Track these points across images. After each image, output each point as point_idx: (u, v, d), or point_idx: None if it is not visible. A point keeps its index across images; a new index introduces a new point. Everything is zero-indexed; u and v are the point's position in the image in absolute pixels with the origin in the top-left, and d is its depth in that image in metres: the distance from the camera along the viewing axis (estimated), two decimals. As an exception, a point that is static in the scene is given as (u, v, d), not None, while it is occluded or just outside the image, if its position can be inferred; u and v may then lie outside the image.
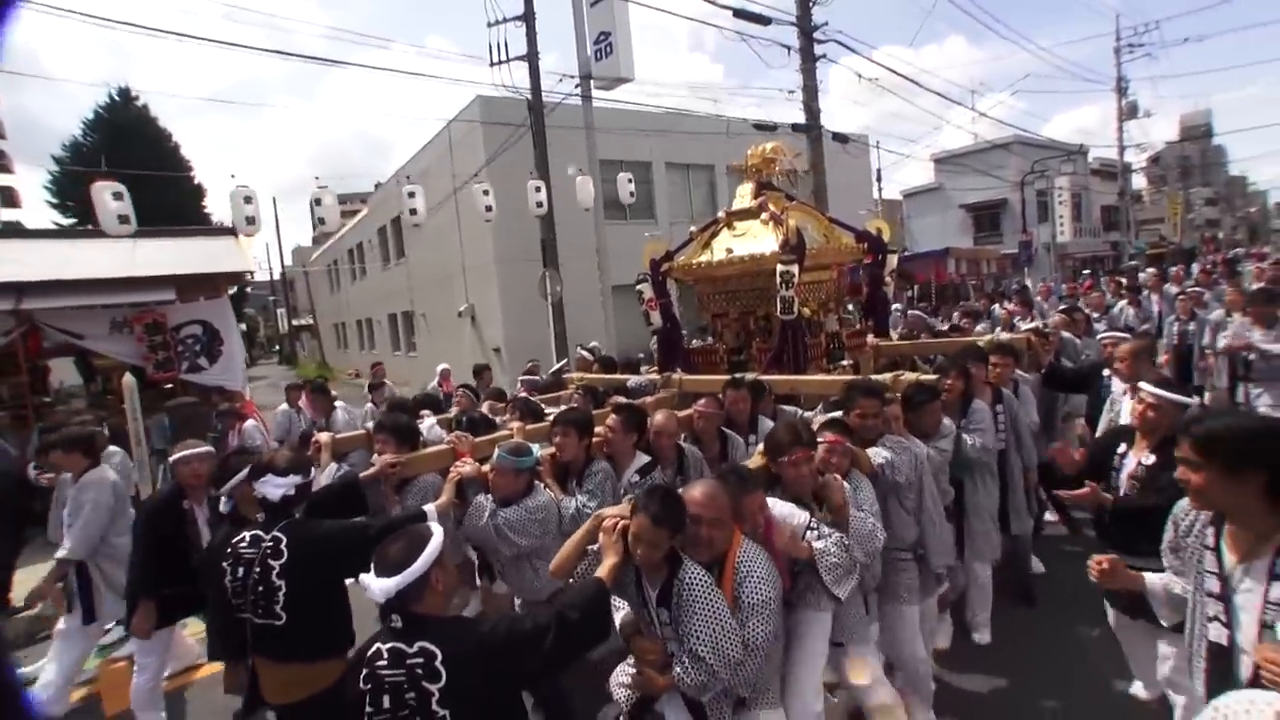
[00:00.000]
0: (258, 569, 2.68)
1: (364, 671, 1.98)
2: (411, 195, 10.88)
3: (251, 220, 9.20)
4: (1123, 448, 3.17)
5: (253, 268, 12.45)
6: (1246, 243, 55.08)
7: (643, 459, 3.72)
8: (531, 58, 12.66)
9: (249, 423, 7.41)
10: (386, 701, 1.92)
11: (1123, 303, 10.02)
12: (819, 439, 3.05)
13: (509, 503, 3.22)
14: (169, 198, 22.74)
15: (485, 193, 11.57)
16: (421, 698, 1.90)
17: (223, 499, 3.23)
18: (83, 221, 23.65)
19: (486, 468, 3.40)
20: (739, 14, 11.69)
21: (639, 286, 6.72)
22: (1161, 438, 2.95)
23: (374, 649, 2.00)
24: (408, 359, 22.65)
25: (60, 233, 11.03)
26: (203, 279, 11.08)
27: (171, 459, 3.93)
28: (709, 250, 6.36)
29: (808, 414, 4.62)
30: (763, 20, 12.12)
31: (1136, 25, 42.28)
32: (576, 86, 12.68)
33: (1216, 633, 1.90)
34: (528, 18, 12.54)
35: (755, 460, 3.24)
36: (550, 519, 3.28)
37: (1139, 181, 42.44)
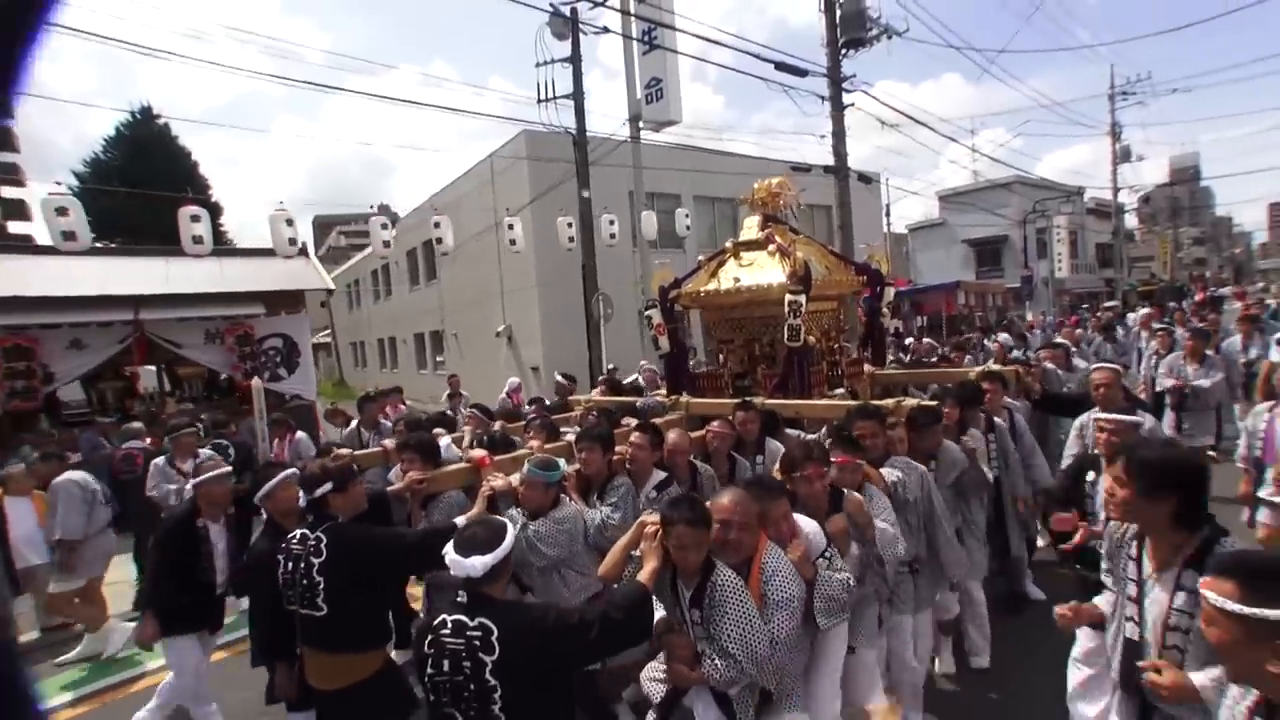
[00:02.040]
0: (303, 565, 2.89)
1: (429, 637, 2.20)
2: (437, 225, 11.50)
3: (294, 242, 9.72)
4: (1092, 475, 3.46)
5: (332, 286, 13.41)
6: (1232, 281, 56.85)
7: (660, 475, 3.88)
8: (577, 98, 13.62)
9: (300, 434, 7.57)
10: (446, 666, 2.13)
11: (1099, 338, 10.71)
12: (832, 459, 3.20)
13: (537, 516, 3.36)
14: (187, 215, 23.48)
15: (510, 227, 12.48)
16: (476, 667, 2.08)
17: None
18: (101, 237, 24.49)
19: (515, 482, 3.55)
20: (780, 66, 12.47)
21: (648, 312, 6.90)
22: None
23: (440, 619, 2.21)
24: (434, 377, 23.48)
25: (157, 251, 11.86)
26: (287, 295, 12.05)
27: (191, 482, 4.10)
28: (716, 279, 6.52)
29: (811, 437, 4.73)
30: (800, 73, 12.84)
31: (1130, 75, 44.25)
32: (624, 125, 13.83)
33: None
34: (575, 60, 13.68)
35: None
36: (577, 531, 3.42)
37: (1131, 221, 44.01)
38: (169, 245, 10.77)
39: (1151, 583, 2.17)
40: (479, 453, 3.93)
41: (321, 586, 2.84)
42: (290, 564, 2.96)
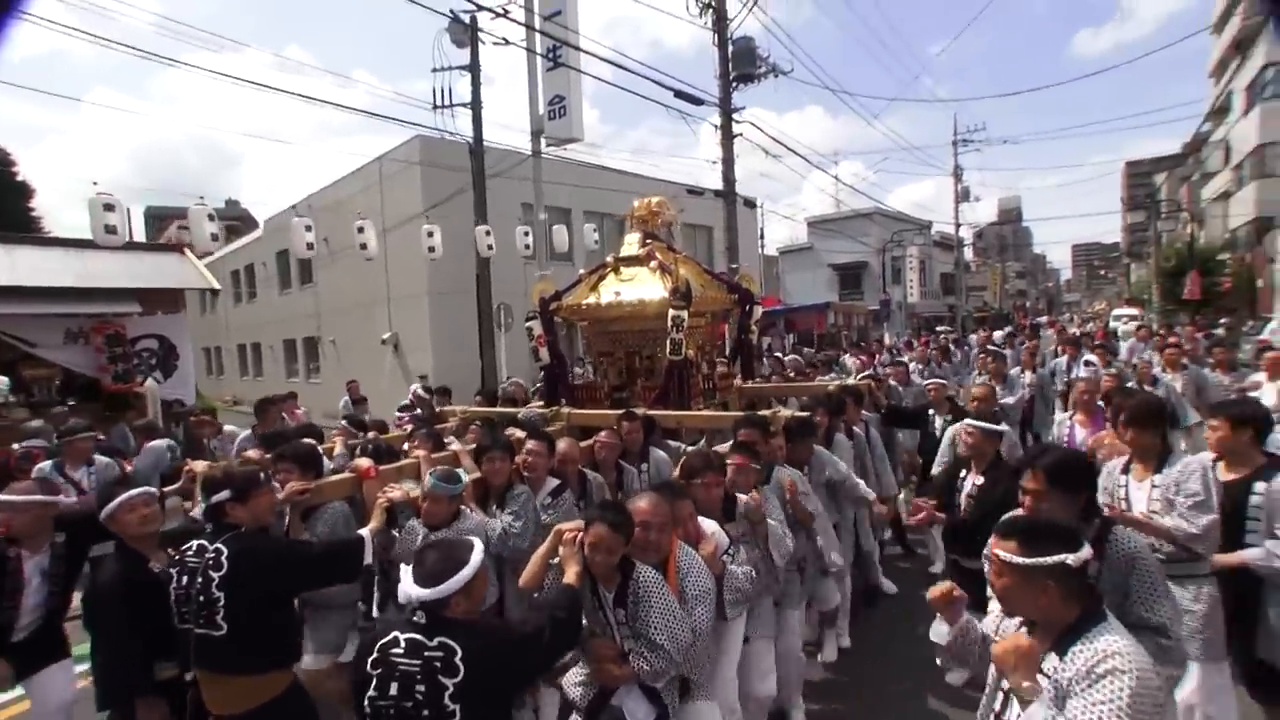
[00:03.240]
0: (200, 579, 2.66)
1: (375, 656, 2.05)
2: (309, 229, 10.41)
3: (112, 230, 8.37)
4: (963, 473, 3.91)
5: (218, 285, 12.60)
6: (1046, 311, 64.85)
7: (553, 482, 3.95)
8: (475, 106, 13.59)
9: (155, 442, 6.86)
10: (394, 689, 1.98)
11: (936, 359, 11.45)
12: (728, 461, 3.50)
13: (437, 528, 3.28)
14: None
15: (430, 234, 11.78)
16: (433, 691, 1.96)
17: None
18: None
19: (412, 493, 3.47)
20: (679, 94, 13.01)
21: (528, 324, 6.89)
22: (988, 463, 3.77)
23: (391, 636, 2.07)
24: (308, 385, 22.32)
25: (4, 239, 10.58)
26: (165, 294, 11.24)
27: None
28: (596, 293, 6.60)
29: (690, 447, 5.04)
30: (697, 101, 13.51)
31: (969, 124, 49.47)
32: (527, 139, 13.92)
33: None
34: (474, 69, 13.67)
35: None
36: (480, 542, 3.48)
37: (968, 254, 49.15)
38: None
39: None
40: (365, 462, 3.81)
41: (221, 603, 2.60)
42: (185, 578, 2.75)
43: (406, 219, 16.09)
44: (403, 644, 2.02)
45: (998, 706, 1.93)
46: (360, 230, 11.53)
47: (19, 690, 3.62)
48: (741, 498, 3.37)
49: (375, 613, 3.67)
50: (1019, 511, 2.54)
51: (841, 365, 11.72)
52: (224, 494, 2.80)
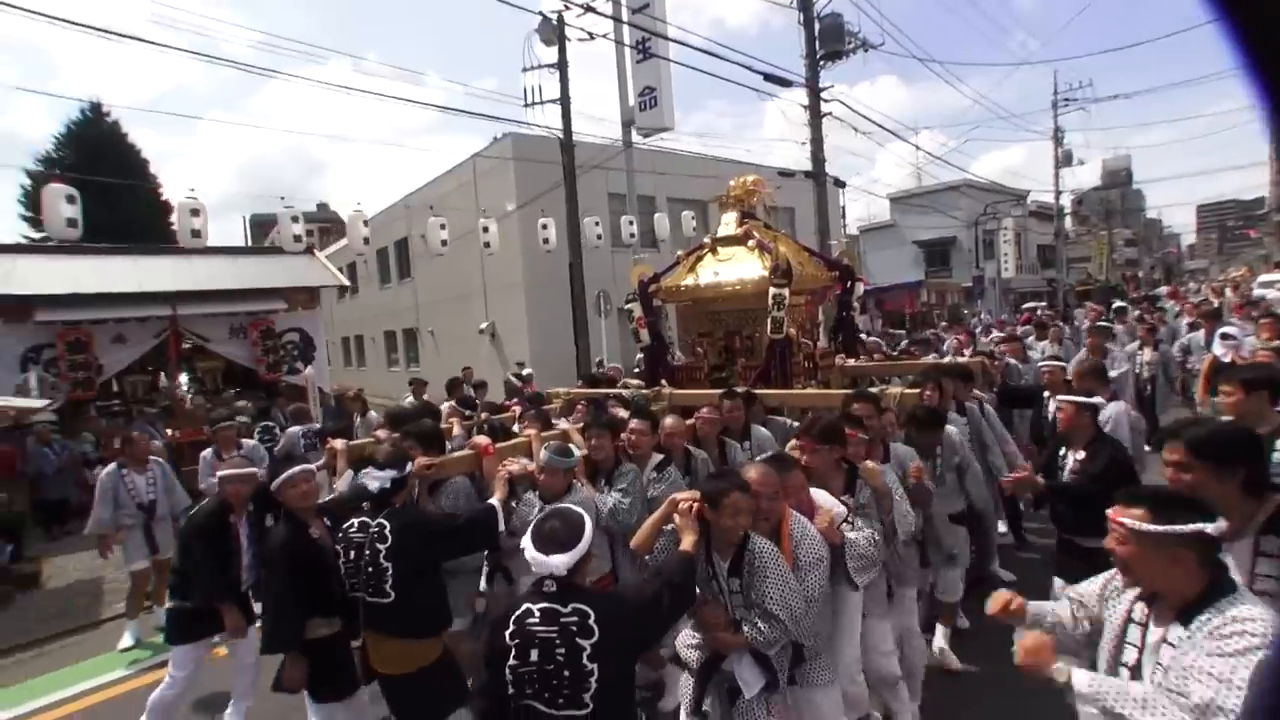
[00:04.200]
0: (367, 552, 2.90)
1: (512, 628, 2.20)
2: (443, 227, 12.23)
3: (197, 234, 9.15)
4: (1064, 451, 3.79)
5: (346, 282, 14.40)
6: (1163, 281, 61.28)
7: (658, 457, 4.10)
8: (564, 102, 14.20)
9: (292, 429, 7.75)
10: (534, 655, 2.14)
11: (1030, 337, 10.92)
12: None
13: (552, 500, 3.44)
14: (139, 212, 22.57)
15: (485, 229, 12.89)
16: (572, 652, 2.12)
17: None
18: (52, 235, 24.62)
19: (529, 466, 3.74)
20: (768, 78, 13.33)
21: (628, 305, 7.12)
22: (1088, 438, 3.65)
23: (524, 608, 2.23)
24: (408, 373, 24.32)
25: (183, 250, 12.66)
26: (304, 292, 13.01)
27: (219, 474, 4.10)
28: (694, 274, 6.74)
29: (794, 424, 5.01)
30: (785, 83, 13.72)
31: (1072, 81, 47.12)
32: (628, 130, 14.55)
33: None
34: (561, 66, 14.25)
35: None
36: (590, 514, 3.49)
37: (1068, 223, 47.22)
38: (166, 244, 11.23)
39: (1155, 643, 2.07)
40: (483, 440, 4.06)
41: (389, 573, 2.87)
42: (352, 552, 2.97)
43: (501, 214, 17.57)
44: (537, 613, 2.18)
45: (1124, 657, 1.94)
46: (485, 229, 12.87)
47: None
48: (864, 465, 3.35)
49: (483, 585, 3.96)
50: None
51: (940, 345, 11.36)
52: (393, 472, 3.02)
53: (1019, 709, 3.58)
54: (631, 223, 14.25)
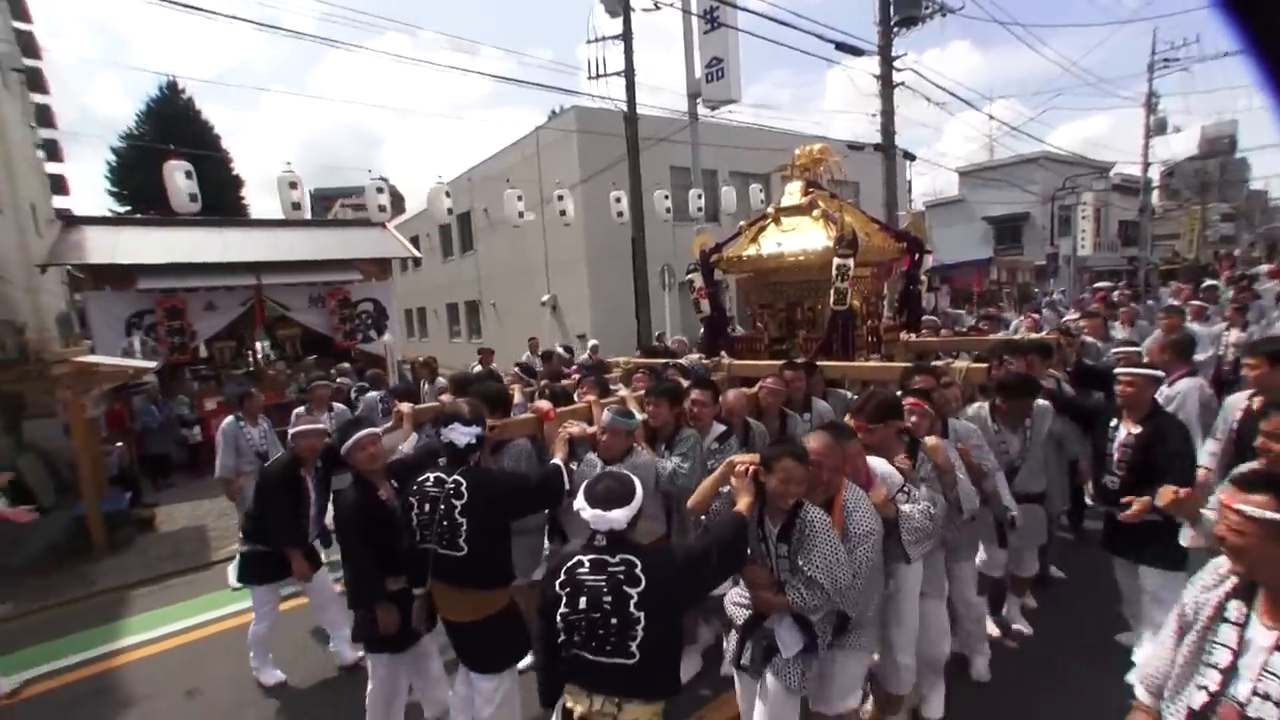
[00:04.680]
0: (443, 506, 2.98)
1: (563, 578, 2.31)
2: (520, 199, 12.65)
3: (297, 206, 9.59)
4: (1114, 421, 3.75)
5: (418, 254, 15.17)
6: (1263, 259, 57.20)
7: (720, 428, 4.12)
8: (628, 75, 14.26)
9: (369, 394, 7.86)
10: (583, 603, 2.24)
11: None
12: (905, 403, 3.46)
13: (612, 462, 3.54)
14: (212, 187, 24.82)
15: (560, 198, 13.16)
16: (619, 600, 2.21)
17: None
18: (136, 208, 25.01)
19: (588, 429, 3.83)
20: (840, 46, 13.15)
21: (689, 276, 7.19)
22: (1144, 413, 3.60)
23: (575, 559, 2.34)
24: (469, 345, 25.18)
25: (266, 223, 13.60)
26: (378, 263, 13.77)
27: (291, 432, 4.39)
28: (757, 244, 6.67)
29: (855, 397, 4.79)
30: (858, 52, 13.54)
31: (1174, 40, 43.11)
32: (694, 102, 14.66)
33: (1196, 699, 1.80)
34: (626, 38, 14.77)
35: None
36: (649, 477, 3.58)
37: (1154, 197, 44.43)
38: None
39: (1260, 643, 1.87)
40: (545, 404, 4.19)
41: (464, 528, 2.95)
42: (427, 505, 3.04)
43: (565, 187, 17.97)
44: (587, 564, 2.30)
45: (1212, 657, 1.77)
46: (560, 198, 13.12)
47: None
48: (926, 441, 3.34)
49: (545, 543, 4.22)
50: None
51: (1005, 323, 10.96)
52: (477, 429, 3.14)
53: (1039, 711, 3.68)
54: (700, 196, 14.21)
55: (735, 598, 2.95)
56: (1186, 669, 1.83)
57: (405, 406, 4.36)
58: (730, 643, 2.95)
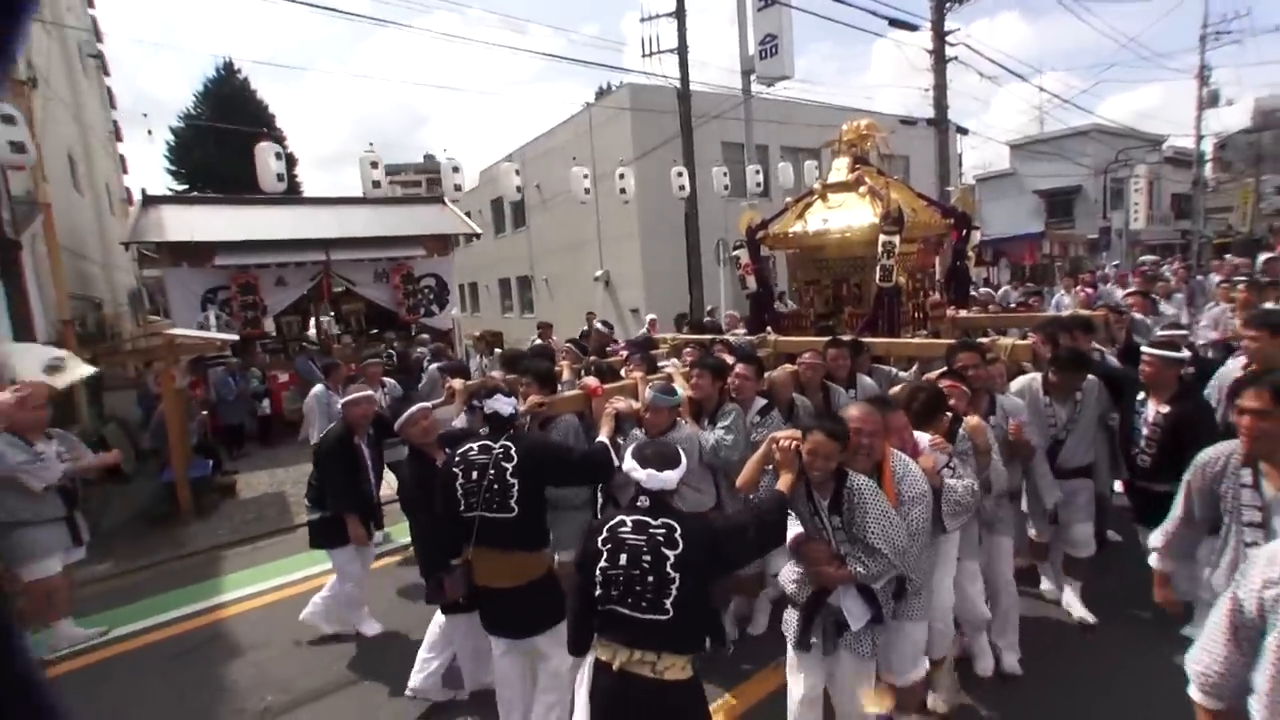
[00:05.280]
0: (493, 471, 3.00)
1: (605, 535, 2.36)
2: (586, 176, 12.78)
3: (377, 184, 10.02)
4: (1141, 396, 3.76)
5: (479, 231, 15.09)
6: (1320, 233, 54.79)
7: (762, 402, 4.09)
8: (681, 52, 13.98)
9: (433, 366, 7.79)
10: (623, 559, 2.29)
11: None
12: (942, 385, 3.45)
13: (657, 437, 3.52)
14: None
15: (621, 176, 12.89)
16: (657, 560, 2.25)
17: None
18: (193, 186, 25.45)
19: (634, 405, 3.83)
20: (893, 23, 13.08)
21: (735, 252, 7.06)
22: (1172, 393, 3.61)
23: (618, 519, 2.38)
24: (521, 320, 25.17)
25: (334, 201, 13.72)
26: (440, 239, 13.71)
27: (341, 402, 4.54)
28: (803, 221, 6.54)
29: (902, 373, 4.98)
30: (912, 28, 13.37)
31: (1226, 12, 41.83)
32: (748, 79, 14.25)
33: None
34: (679, 15, 14.26)
35: None
36: (693, 450, 3.58)
37: (1208, 170, 42.79)
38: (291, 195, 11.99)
39: (1279, 501, 2.36)
40: (592, 381, 4.18)
41: (515, 489, 2.99)
42: (475, 472, 3.05)
43: (618, 164, 17.78)
44: (629, 524, 2.34)
45: (1246, 517, 2.28)
46: (621, 175, 12.89)
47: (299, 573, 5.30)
48: (968, 420, 3.31)
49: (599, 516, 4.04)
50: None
51: (1057, 301, 10.67)
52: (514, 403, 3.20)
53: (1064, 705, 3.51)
54: (758, 172, 13.94)
55: (791, 575, 2.88)
56: (1276, 681, 1.67)
57: (457, 382, 4.40)
58: (792, 623, 2.85)
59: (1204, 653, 1.92)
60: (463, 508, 3.06)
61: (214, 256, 11.09)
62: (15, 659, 0.53)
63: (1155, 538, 2.82)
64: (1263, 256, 12.87)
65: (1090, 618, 4.16)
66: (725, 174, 13.68)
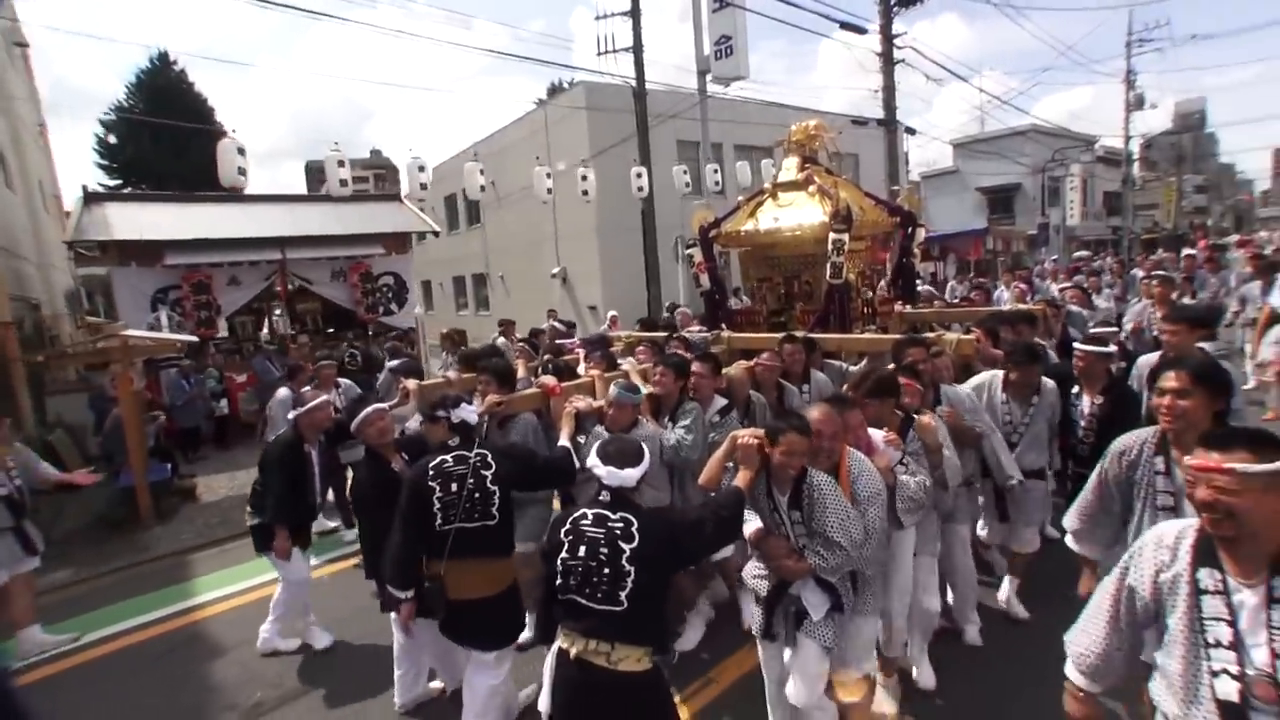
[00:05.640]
0: (472, 480, 2.95)
1: (567, 526, 2.42)
2: (549, 175, 12.40)
3: (344, 183, 9.48)
4: (1076, 389, 3.94)
5: (438, 229, 14.84)
6: (1233, 230, 58.25)
7: (721, 401, 4.10)
8: (636, 51, 13.82)
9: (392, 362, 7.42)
10: (582, 551, 2.34)
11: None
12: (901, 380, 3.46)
13: (619, 433, 3.50)
14: (207, 161, 23.50)
15: (584, 177, 12.80)
16: (614, 553, 2.30)
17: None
18: (127, 182, 23.71)
19: (594, 403, 3.79)
20: (844, 26, 13.32)
21: (688, 251, 7.07)
22: (1103, 384, 3.78)
23: (580, 512, 2.44)
24: (476, 318, 24.85)
25: (285, 198, 13.32)
26: (399, 237, 13.46)
27: (294, 414, 4.31)
28: (755, 219, 6.57)
29: (853, 368, 5.03)
30: (861, 30, 13.68)
31: (1149, 21, 44.62)
32: (703, 79, 14.40)
33: (1225, 689, 1.59)
34: (634, 14, 13.92)
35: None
36: (654, 448, 3.53)
37: (1136, 169, 44.91)
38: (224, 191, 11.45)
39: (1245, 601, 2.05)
40: (550, 380, 4.15)
41: (496, 496, 2.98)
42: (454, 484, 2.96)
43: (575, 161, 17.72)
44: (590, 517, 2.41)
45: (1211, 634, 1.64)
46: (585, 177, 12.78)
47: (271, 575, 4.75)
48: (920, 419, 3.33)
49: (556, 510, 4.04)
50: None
51: (998, 295, 10.73)
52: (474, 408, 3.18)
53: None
54: (716, 171, 14.05)
55: (754, 571, 2.93)
56: (1188, 662, 1.67)
57: (411, 383, 4.34)
58: (755, 615, 2.94)
59: (1083, 634, 1.95)
60: (439, 521, 2.97)
61: (164, 255, 10.70)
62: None
63: (1070, 520, 2.81)
64: (1185, 251, 13.63)
65: (1023, 613, 4.20)
66: (686, 172, 13.72)
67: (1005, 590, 4.32)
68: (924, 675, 3.60)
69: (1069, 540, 2.90)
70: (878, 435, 3.13)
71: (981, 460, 3.92)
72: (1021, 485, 3.88)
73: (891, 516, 2.99)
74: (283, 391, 6.39)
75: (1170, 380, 2.48)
